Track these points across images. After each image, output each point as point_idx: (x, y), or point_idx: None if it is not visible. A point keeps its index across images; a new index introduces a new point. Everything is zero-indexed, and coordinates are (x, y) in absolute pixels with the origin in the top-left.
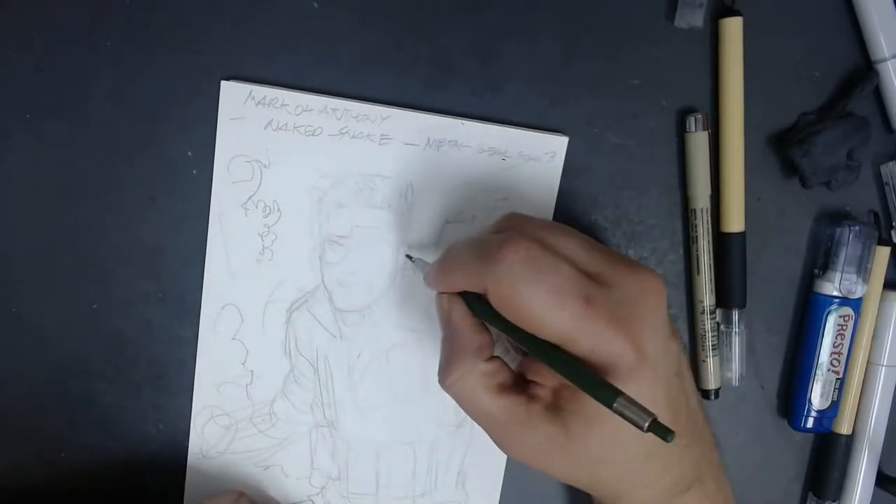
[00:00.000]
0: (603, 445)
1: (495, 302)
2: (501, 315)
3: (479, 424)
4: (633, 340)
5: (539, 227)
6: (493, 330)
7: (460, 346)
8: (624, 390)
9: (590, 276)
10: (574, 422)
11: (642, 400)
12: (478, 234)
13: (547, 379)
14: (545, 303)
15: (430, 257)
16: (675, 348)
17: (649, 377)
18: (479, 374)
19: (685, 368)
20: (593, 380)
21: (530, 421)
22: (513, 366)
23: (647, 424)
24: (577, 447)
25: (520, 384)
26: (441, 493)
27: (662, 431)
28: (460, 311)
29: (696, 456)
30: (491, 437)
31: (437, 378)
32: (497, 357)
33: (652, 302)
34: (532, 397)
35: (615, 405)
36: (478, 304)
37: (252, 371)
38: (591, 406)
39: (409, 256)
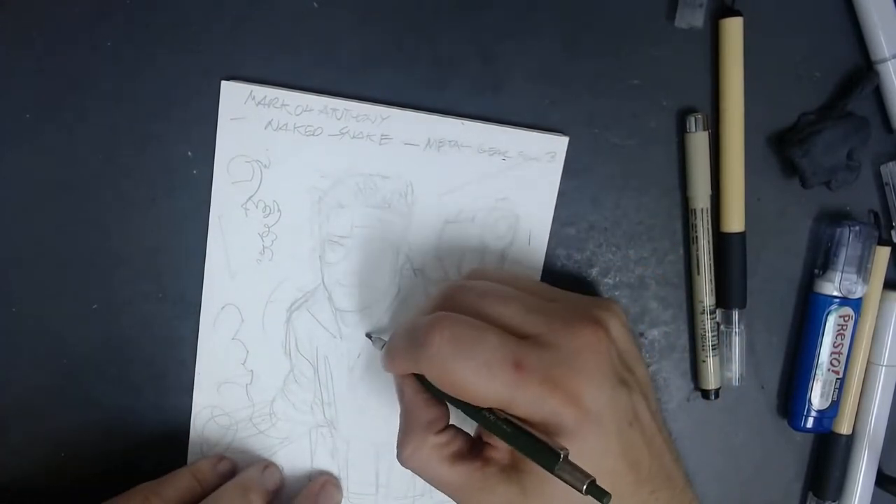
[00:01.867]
0: (559, 502)
1: (433, 381)
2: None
3: (441, 492)
4: (571, 398)
5: (473, 295)
6: None
7: (413, 422)
8: (569, 447)
9: (527, 338)
10: (530, 481)
11: (590, 454)
12: (418, 313)
13: (502, 441)
14: (475, 376)
15: (388, 333)
16: (624, 398)
17: (596, 431)
18: (431, 447)
19: (646, 413)
20: (534, 445)
21: (487, 484)
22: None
23: (584, 487)
24: None
25: (477, 447)
26: (441, 492)
27: (599, 494)
28: (412, 388)
29: (665, 500)
30: (455, 502)
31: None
32: (451, 426)
33: (589, 356)
34: (487, 460)
35: (556, 469)
36: (426, 381)
37: (252, 371)
38: None
39: (368, 335)
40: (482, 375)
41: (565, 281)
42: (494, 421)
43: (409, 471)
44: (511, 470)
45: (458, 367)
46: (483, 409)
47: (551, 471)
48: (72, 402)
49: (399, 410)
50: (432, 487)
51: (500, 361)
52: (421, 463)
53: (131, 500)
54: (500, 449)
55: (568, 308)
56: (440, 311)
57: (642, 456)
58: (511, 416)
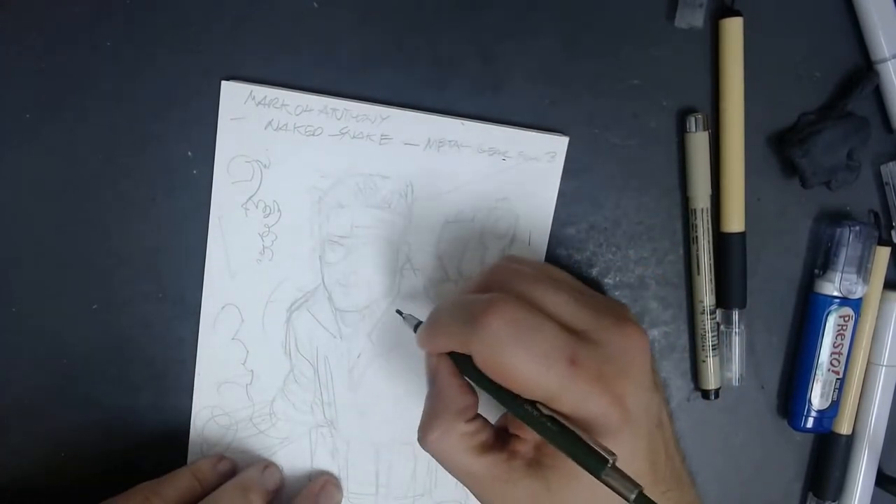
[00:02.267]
0: (584, 499)
1: (481, 365)
2: (487, 377)
3: (461, 482)
4: (617, 399)
5: (528, 281)
6: None
7: (443, 406)
8: (607, 446)
9: (575, 333)
10: (555, 477)
11: (623, 455)
12: (465, 290)
13: (528, 433)
14: (531, 365)
15: (422, 312)
16: (656, 401)
17: (631, 433)
18: (459, 435)
19: (666, 416)
20: (580, 448)
21: (512, 477)
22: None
23: (633, 496)
24: (558, 501)
25: (501, 439)
26: (441, 492)
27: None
28: (447, 371)
29: (675, 500)
30: (473, 494)
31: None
32: (479, 416)
33: (637, 358)
34: (513, 453)
35: (602, 475)
36: (465, 364)
37: (252, 371)
38: (571, 461)
39: (399, 312)
40: (538, 365)
41: None
42: (538, 417)
43: (411, 468)
44: (536, 464)
45: (514, 354)
46: (525, 403)
47: (598, 476)
48: (72, 402)
49: (427, 391)
50: (432, 487)
51: (557, 353)
52: (445, 450)
53: (131, 500)
54: (527, 442)
55: (606, 306)
56: (497, 293)
57: (661, 457)
58: (556, 412)
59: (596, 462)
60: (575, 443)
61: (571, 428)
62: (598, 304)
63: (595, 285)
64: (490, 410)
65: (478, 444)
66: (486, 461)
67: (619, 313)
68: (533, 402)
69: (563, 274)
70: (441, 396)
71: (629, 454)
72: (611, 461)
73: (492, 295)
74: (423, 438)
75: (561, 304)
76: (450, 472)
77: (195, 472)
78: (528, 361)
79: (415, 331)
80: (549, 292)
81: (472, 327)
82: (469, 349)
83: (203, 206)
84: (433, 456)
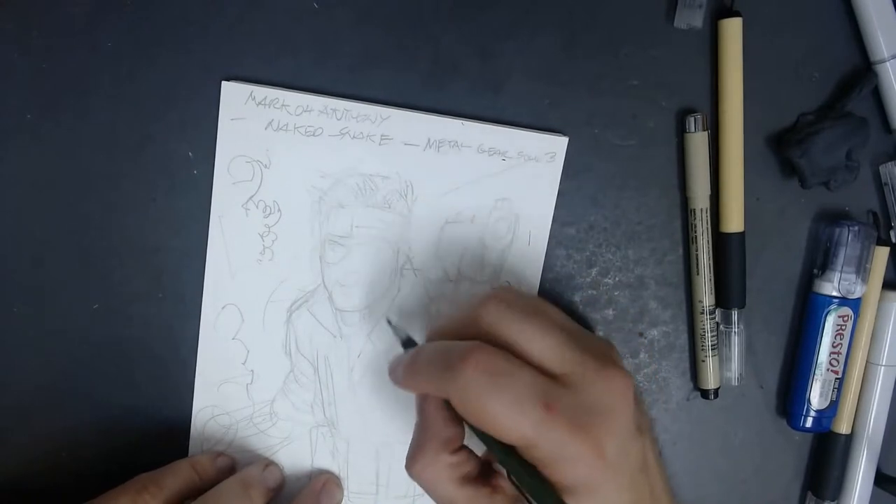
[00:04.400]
0: None
1: (458, 410)
2: None
3: None
4: (593, 444)
5: (513, 323)
6: None
7: (430, 437)
8: (583, 493)
9: (556, 377)
10: None
11: (603, 500)
12: (452, 321)
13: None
14: (506, 411)
15: (422, 313)
16: (639, 445)
17: (609, 479)
18: (443, 466)
19: (653, 458)
20: (543, 496)
21: None
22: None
23: None
24: None
25: (486, 472)
26: None
27: None
28: (434, 404)
29: None
30: None
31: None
32: (465, 447)
33: (617, 404)
34: (496, 488)
35: None
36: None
37: (252, 371)
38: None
39: (388, 321)
40: (512, 412)
41: (565, 281)
42: (509, 459)
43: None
44: (517, 501)
45: (489, 401)
46: (503, 447)
47: None
48: (72, 402)
49: (416, 421)
50: None
51: (532, 400)
52: (430, 479)
53: (129, 490)
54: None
55: (591, 347)
56: (474, 341)
57: (645, 499)
58: (534, 458)
59: None
60: (538, 490)
61: (537, 476)
62: (584, 347)
63: (595, 286)
64: (479, 442)
65: (462, 475)
66: (468, 493)
67: (604, 356)
68: (510, 448)
69: (552, 311)
70: (427, 427)
71: (609, 500)
72: None
73: (469, 343)
74: (409, 467)
75: (545, 347)
76: (434, 499)
77: (194, 464)
78: (503, 407)
79: (402, 344)
80: (534, 336)
81: (449, 374)
82: (446, 394)
83: (203, 206)
84: (419, 484)
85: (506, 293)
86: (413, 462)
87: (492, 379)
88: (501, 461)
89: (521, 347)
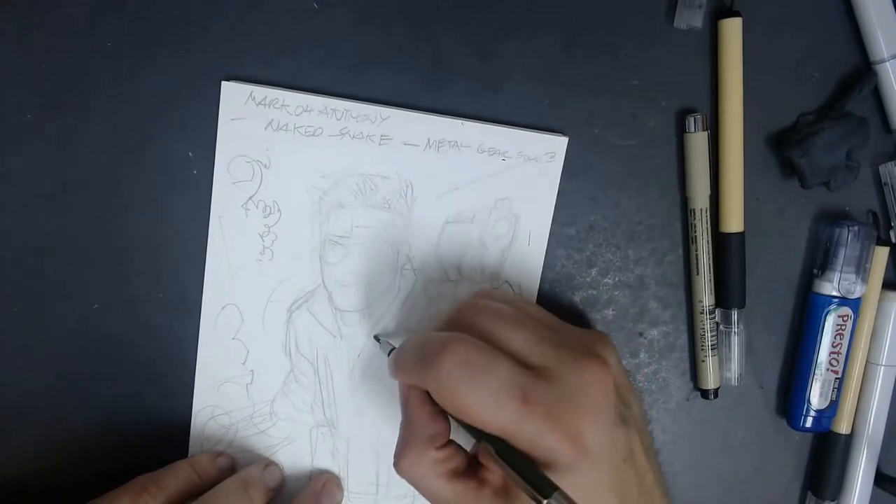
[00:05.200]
0: None
1: (438, 402)
2: None
3: None
4: (571, 435)
5: (489, 318)
6: None
7: (415, 433)
8: (564, 482)
9: (533, 369)
10: None
11: (584, 490)
12: (434, 326)
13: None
14: (483, 404)
15: (415, 324)
16: (623, 435)
17: (590, 469)
18: (430, 461)
19: (640, 449)
20: (527, 476)
21: None
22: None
23: None
24: None
25: (473, 467)
26: None
27: None
28: (418, 399)
29: None
30: None
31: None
32: (451, 442)
33: (594, 394)
34: (483, 482)
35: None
36: None
37: (252, 371)
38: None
39: (376, 338)
40: (489, 404)
41: (565, 281)
42: (493, 443)
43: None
44: (503, 494)
45: (466, 393)
46: (483, 435)
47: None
48: (72, 402)
49: (401, 417)
50: None
51: (508, 392)
52: (418, 475)
53: (129, 491)
54: (496, 472)
55: (571, 340)
56: (453, 332)
57: (632, 491)
58: (514, 448)
59: (543, 488)
60: (523, 470)
61: (521, 462)
62: (562, 340)
63: (594, 285)
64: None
65: (448, 470)
66: (456, 488)
67: (584, 348)
68: (490, 436)
69: (532, 308)
70: (412, 423)
71: (591, 489)
72: (554, 493)
73: (446, 334)
74: (396, 464)
75: (521, 340)
76: (422, 495)
77: (194, 464)
78: (479, 400)
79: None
80: (510, 329)
81: (427, 367)
82: (426, 387)
83: (203, 206)
84: (407, 480)
85: (484, 294)
86: (400, 459)
87: (469, 371)
88: (485, 441)
89: (498, 339)
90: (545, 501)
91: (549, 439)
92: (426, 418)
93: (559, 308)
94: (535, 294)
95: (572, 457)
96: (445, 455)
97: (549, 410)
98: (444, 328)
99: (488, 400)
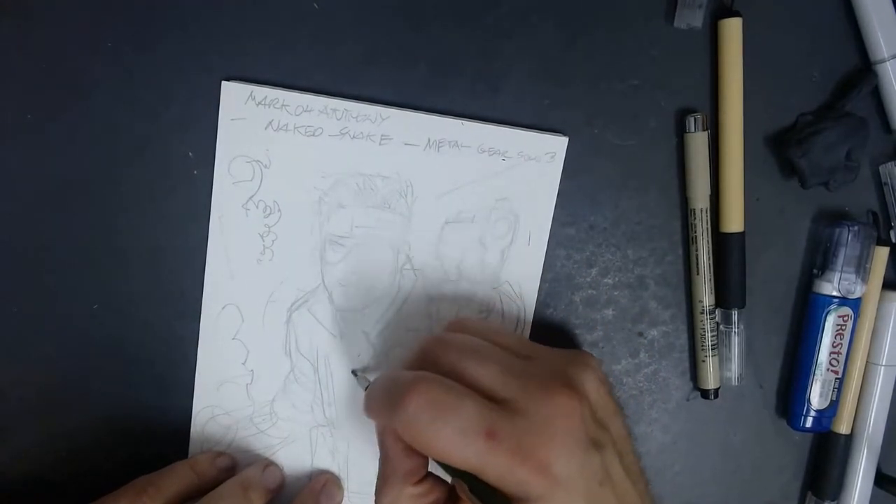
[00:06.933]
0: None
1: (408, 441)
2: None
3: None
4: (540, 467)
5: (455, 354)
6: None
7: (392, 471)
8: None
9: (500, 403)
10: None
11: None
12: (403, 363)
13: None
14: (449, 442)
15: (421, 314)
16: (596, 460)
17: (564, 498)
18: (408, 498)
19: (619, 472)
20: None
21: None
22: None
23: None
24: None
25: (453, 499)
26: None
27: None
28: (392, 436)
29: None
30: None
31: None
32: (429, 476)
33: (562, 422)
34: None
35: None
36: None
37: (252, 371)
38: None
39: (354, 372)
40: (455, 442)
41: (565, 281)
42: (465, 479)
43: None
44: None
45: (432, 433)
46: (455, 472)
47: None
48: (72, 402)
49: (379, 455)
50: None
51: (474, 429)
52: None
53: (128, 493)
54: None
55: (544, 368)
56: (419, 372)
57: None
58: (485, 484)
59: None
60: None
61: (491, 495)
62: (531, 370)
63: (594, 286)
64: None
65: None
66: None
67: (555, 375)
68: (462, 472)
69: (504, 337)
70: (388, 460)
71: None
72: None
73: (413, 375)
74: (377, 503)
75: (488, 374)
76: None
77: (193, 465)
78: (445, 440)
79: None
80: (477, 363)
81: (394, 408)
82: (394, 427)
83: (203, 206)
84: None
85: (459, 323)
86: (380, 497)
87: (433, 412)
88: (457, 478)
89: (465, 375)
90: None
91: (518, 473)
92: (401, 455)
93: (559, 308)
94: (535, 294)
95: (543, 488)
96: (423, 490)
97: (516, 444)
98: (413, 365)
99: (454, 438)
